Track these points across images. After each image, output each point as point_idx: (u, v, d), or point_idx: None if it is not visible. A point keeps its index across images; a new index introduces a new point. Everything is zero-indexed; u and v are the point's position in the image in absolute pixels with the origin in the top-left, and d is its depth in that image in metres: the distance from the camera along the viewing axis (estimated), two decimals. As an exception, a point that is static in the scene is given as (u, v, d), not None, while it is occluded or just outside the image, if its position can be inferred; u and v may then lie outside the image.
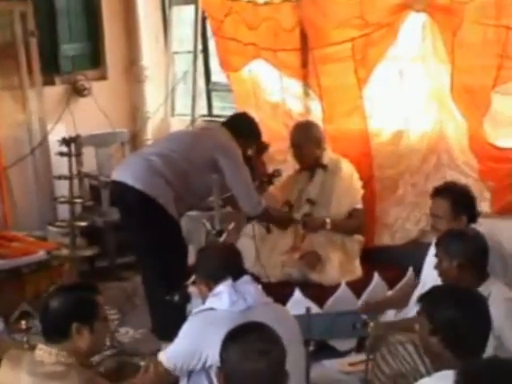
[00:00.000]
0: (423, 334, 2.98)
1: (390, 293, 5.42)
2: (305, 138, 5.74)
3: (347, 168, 5.77)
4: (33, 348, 3.32)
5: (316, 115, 6.14)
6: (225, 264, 3.84)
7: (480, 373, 2.38)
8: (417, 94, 5.66)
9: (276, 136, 6.39)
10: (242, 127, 5.58)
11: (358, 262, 5.66)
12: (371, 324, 4.43)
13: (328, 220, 5.61)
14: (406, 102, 5.71)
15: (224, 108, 7.70)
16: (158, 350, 4.09)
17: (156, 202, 5.21)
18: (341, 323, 4.74)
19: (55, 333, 3.15)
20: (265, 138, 6.56)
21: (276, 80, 6.40)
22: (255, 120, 5.77)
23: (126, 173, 5.36)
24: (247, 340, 2.67)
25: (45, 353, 3.14)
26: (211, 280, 3.81)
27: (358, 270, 5.61)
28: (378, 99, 5.78)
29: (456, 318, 2.89)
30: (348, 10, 5.67)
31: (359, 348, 5.10)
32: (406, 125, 5.76)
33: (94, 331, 3.17)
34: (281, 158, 6.38)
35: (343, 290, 5.30)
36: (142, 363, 3.82)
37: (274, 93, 6.50)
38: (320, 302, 5.21)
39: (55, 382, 3.06)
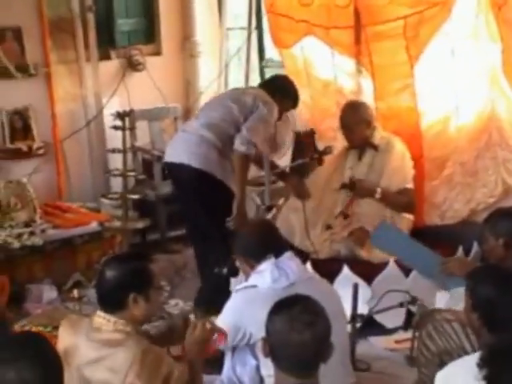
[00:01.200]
0: (466, 309, 3.02)
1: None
2: (354, 119, 5.72)
3: (399, 147, 5.74)
4: (85, 316, 3.38)
5: (367, 93, 6.12)
6: (264, 242, 3.86)
7: (506, 350, 2.40)
8: (468, 72, 5.61)
9: (327, 113, 6.39)
10: (278, 87, 5.62)
11: (407, 240, 5.65)
12: (418, 302, 4.45)
13: (379, 189, 5.60)
14: (458, 80, 5.66)
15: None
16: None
17: (214, 178, 5.26)
18: (388, 300, 4.74)
19: (112, 302, 3.20)
20: (316, 115, 6.59)
21: (328, 57, 6.37)
22: (292, 82, 5.77)
23: (180, 152, 5.39)
24: (292, 312, 2.72)
25: (104, 320, 3.20)
26: (252, 258, 3.85)
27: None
28: (429, 77, 5.74)
29: (493, 296, 2.93)
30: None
31: (406, 325, 5.11)
32: (457, 103, 5.71)
33: (149, 300, 3.23)
34: (331, 135, 6.39)
35: (391, 267, 5.30)
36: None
37: (326, 70, 6.46)
38: (368, 278, 5.22)
39: (112, 349, 3.12)
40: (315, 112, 6.63)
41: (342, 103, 6.10)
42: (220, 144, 5.31)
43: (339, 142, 6.11)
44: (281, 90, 5.61)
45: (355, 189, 5.64)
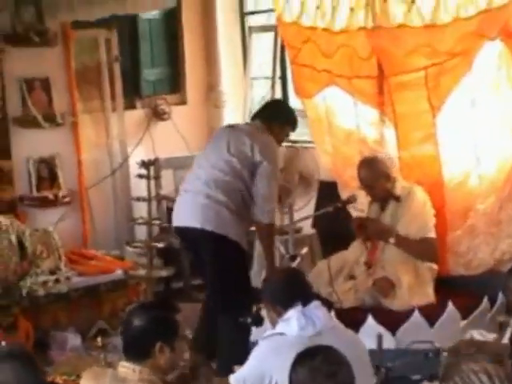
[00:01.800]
0: None
1: (463, 323, 5.40)
2: (372, 176, 5.68)
3: (420, 195, 5.70)
4: (109, 365, 3.39)
5: (391, 142, 6.12)
6: (292, 289, 3.87)
7: None
8: (490, 122, 5.61)
9: (349, 162, 6.39)
10: (275, 115, 5.55)
11: (430, 289, 5.60)
12: (444, 353, 4.41)
13: (392, 239, 5.57)
14: (479, 130, 5.66)
15: (301, 133, 7.74)
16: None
17: (228, 238, 5.22)
18: (413, 351, 4.71)
19: (138, 351, 3.19)
20: (338, 164, 6.60)
21: (350, 107, 6.38)
22: (287, 105, 5.74)
23: (189, 215, 5.30)
24: (314, 363, 2.71)
25: (128, 370, 3.18)
26: (279, 305, 3.84)
27: (430, 296, 5.55)
28: (450, 127, 5.75)
29: None
30: (419, 38, 5.64)
31: (431, 377, 5.07)
32: (478, 153, 5.70)
33: (174, 349, 3.22)
34: (354, 184, 6.39)
35: (416, 317, 5.28)
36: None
37: (348, 119, 6.46)
38: (392, 328, 5.19)
39: None
40: (337, 161, 6.62)
41: (364, 152, 6.11)
42: (229, 201, 5.25)
43: (362, 192, 6.11)
44: (278, 118, 5.55)
45: (368, 229, 5.64)
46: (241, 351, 4.94)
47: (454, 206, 5.85)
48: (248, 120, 7.89)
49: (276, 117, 5.53)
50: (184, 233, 5.43)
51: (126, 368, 3.20)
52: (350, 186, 6.43)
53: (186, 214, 5.32)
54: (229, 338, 5.35)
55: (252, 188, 5.28)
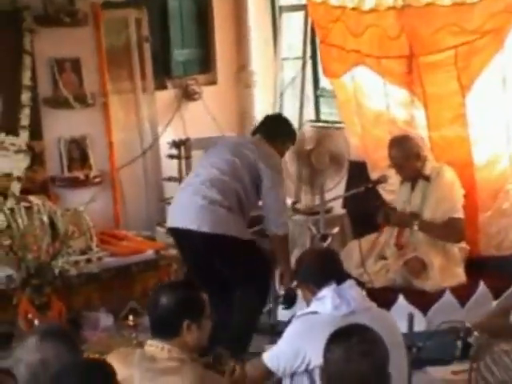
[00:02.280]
0: None
1: (495, 303, 5.38)
2: (403, 155, 5.68)
3: (449, 176, 5.68)
4: (140, 344, 3.40)
5: (420, 123, 6.09)
6: (325, 269, 3.85)
7: None
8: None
9: (379, 143, 6.37)
10: (277, 132, 5.48)
11: (461, 269, 5.60)
12: (475, 333, 4.40)
13: (416, 221, 5.56)
14: (509, 110, 5.62)
15: (331, 114, 7.73)
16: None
17: (226, 236, 5.14)
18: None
19: (166, 329, 3.20)
20: (368, 145, 6.57)
21: (379, 87, 6.36)
22: (287, 120, 5.71)
23: (185, 217, 5.21)
24: (350, 341, 2.71)
25: (156, 348, 3.19)
26: (313, 284, 3.85)
27: (461, 277, 5.55)
28: (480, 107, 5.70)
29: None
30: (447, 17, 5.60)
31: (462, 356, 5.06)
32: (509, 133, 5.66)
33: (201, 328, 3.25)
34: (384, 164, 6.37)
35: (447, 297, 5.27)
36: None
37: (378, 100, 6.45)
38: (423, 308, 5.19)
39: (169, 377, 3.11)
40: (367, 142, 6.61)
41: (394, 133, 6.09)
42: (223, 199, 5.15)
43: (393, 172, 6.08)
44: (280, 134, 5.48)
45: (390, 219, 5.64)
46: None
47: (484, 186, 5.82)
48: (278, 100, 7.94)
49: (277, 133, 5.47)
50: (178, 234, 5.34)
51: (153, 347, 3.21)
52: (379, 166, 6.42)
53: (182, 215, 5.24)
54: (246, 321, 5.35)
55: (250, 193, 5.23)
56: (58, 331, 2.74)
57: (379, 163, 6.44)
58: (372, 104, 6.52)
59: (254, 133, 5.58)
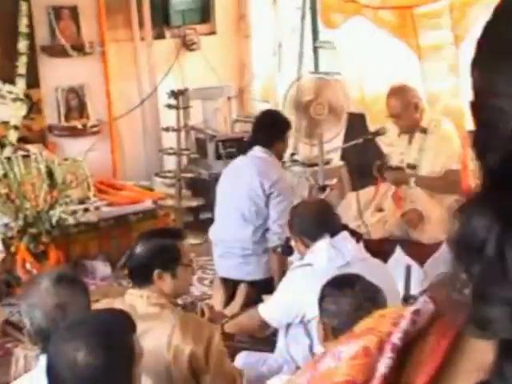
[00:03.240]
0: None
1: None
2: (401, 105, 5.61)
3: (447, 127, 5.63)
4: (122, 294, 3.41)
5: (415, 74, 6.04)
6: (320, 221, 3.86)
7: None
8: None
9: (377, 96, 6.35)
10: (272, 134, 5.42)
11: (459, 221, 5.61)
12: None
13: (412, 179, 5.54)
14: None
15: (330, 65, 7.68)
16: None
17: None
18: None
19: (140, 277, 3.27)
20: (366, 97, 6.54)
21: (377, 38, 6.31)
22: (278, 114, 5.66)
23: None
24: (355, 290, 2.72)
25: (136, 297, 3.24)
26: (307, 237, 3.85)
27: (459, 229, 5.56)
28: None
29: None
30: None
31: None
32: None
33: (176, 276, 3.28)
34: (382, 117, 6.35)
35: (444, 249, 5.28)
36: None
37: (375, 51, 6.42)
38: (420, 260, 5.20)
39: (151, 322, 3.16)
40: (365, 94, 6.58)
41: (392, 84, 6.06)
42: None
43: (391, 124, 6.05)
44: (279, 135, 5.44)
45: (387, 178, 5.63)
46: None
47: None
48: (277, 51, 7.87)
49: (275, 136, 5.40)
50: None
51: (133, 295, 3.26)
52: (379, 119, 6.40)
53: None
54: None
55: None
56: (70, 276, 2.76)
57: (377, 116, 6.42)
58: (370, 55, 6.48)
59: (250, 144, 5.52)
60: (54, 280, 2.71)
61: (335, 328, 2.74)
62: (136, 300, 3.23)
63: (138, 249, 3.30)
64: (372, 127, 6.38)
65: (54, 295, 2.67)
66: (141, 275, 3.26)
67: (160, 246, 3.32)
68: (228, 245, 5.36)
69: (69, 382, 2.12)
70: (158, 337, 3.13)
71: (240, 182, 5.30)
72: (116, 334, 2.27)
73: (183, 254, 3.35)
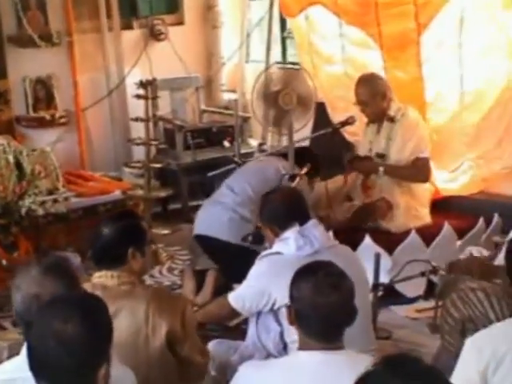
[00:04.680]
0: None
1: (459, 243, 5.46)
2: (369, 93, 5.62)
3: (414, 116, 5.63)
4: (88, 280, 3.41)
5: (376, 63, 6.06)
6: (289, 209, 3.89)
7: None
8: (477, 41, 5.56)
9: (335, 83, 6.39)
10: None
11: (427, 210, 5.66)
12: (440, 271, 4.47)
13: (381, 168, 5.58)
14: (465, 49, 5.62)
15: (296, 54, 7.71)
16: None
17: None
18: (409, 270, 4.77)
19: (112, 259, 3.27)
20: (325, 84, 6.57)
21: (335, 27, 6.34)
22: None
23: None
24: (317, 276, 2.75)
25: (106, 278, 3.25)
26: (276, 225, 3.88)
27: (426, 217, 5.62)
28: (435, 46, 5.71)
29: None
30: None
31: (427, 295, 5.14)
32: (462, 72, 5.68)
33: (144, 254, 3.34)
34: (341, 105, 6.38)
35: (412, 237, 5.34)
36: None
37: (333, 40, 6.44)
38: (389, 248, 5.26)
39: (125, 300, 3.19)
40: (321, 82, 6.58)
41: (350, 74, 6.10)
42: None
43: (352, 111, 6.06)
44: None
45: (353, 168, 5.68)
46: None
47: (436, 126, 5.87)
48: (245, 41, 7.89)
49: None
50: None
51: (102, 277, 3.26)
52: (338, 107, 6.44)
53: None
54: None
55: None
56: (60, 268, 2.75)
57: (335, 103, 6.45)
58: (326, 44, 6.52)
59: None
60: (42, 269, 2.71)
61: (298, 312, 2.77)
62: (107, 281, 3.24)
63: (107, 230, 3.31)
64: (333, 115, 6.44)
65: (37, 284, 2.67)
66: (112, 256, 3.26)
67: (132, 225, 3.38)
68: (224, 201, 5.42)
69: (55, 357, 2.13)
70: (134, 313, 3.17)
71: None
72: (98, 308, 2.30)
73: (148, 233, 3.46)
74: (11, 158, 5.81)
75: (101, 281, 3.25)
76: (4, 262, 5.49)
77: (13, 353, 2.78)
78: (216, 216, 5.39)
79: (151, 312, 3.18)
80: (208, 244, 5.41)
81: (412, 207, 5.62)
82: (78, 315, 2.16)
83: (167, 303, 3.26)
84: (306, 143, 5.85)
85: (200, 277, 5.41)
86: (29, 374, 2.21)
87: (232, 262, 5.12)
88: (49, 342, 2.12)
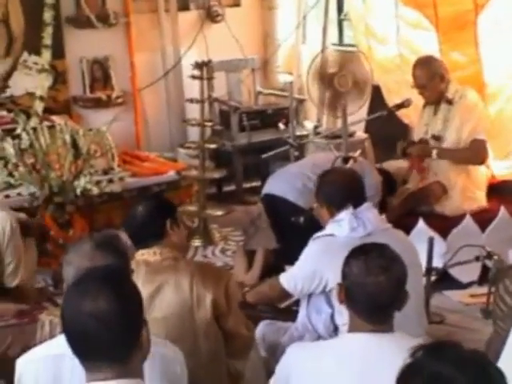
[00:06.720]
0: None
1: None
2: (427, 75, 5.55)
3: (471, 97, 5.56)
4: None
5: (431, 45, 5.99)
6: (347, 191, 3.88)
7: None
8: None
9: (390, 65, 6.34)
10: None
11: (483, 192, 5.58)
12: (495, 257, 4.41)
13: (434, 151, 5.50)
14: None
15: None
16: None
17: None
18: (463, 255, 4.72)
19: (152, 235, 3.33)
20: (380, 66, 6.51)
21: (391, 8, 6.27)
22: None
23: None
24: (369, 256, 2.75)
25: (148, 255, 3.30)
26: (332, 205, 3.86)
27: (482, 200, 5.54)
28: (493, 28, 5.62)
29: None
30: None
31: (481, 280, 5.09)
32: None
33: (179, 226, 3.42)
34: (394, 87, 6.32)
35: (467, 221, 5.28)
36: None
37: (388, 21, 6.37)
38: (444, 232, 5.21)
39: (168, 274, 3.26)
40: (377, 65, 6.52)
41: (405, 55, 6.03)
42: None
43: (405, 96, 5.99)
44: None
45: (409, 152, 5.62)
46: None
47: (493, 110, 5.80)
48: (302, 23, 7.84)
49: None
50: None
51: (145, 255, 3.31)
52: (391, 88, 6.38)
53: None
54: None
55: None
56: (111, 244, 2.79)
57: (390, 85, 6.40)
58: (381, 24, 6.45)
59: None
60: (94, 245, 2.74)
61: (347, 290, 2.76)
62: (150, 257, 3.29)
63: (143, 210, 3.40)
64: (388, 97, 6.38)
65: (89, 259, 2.70)
66: (152, 232, 3.32)
67: (163, 201, 3.64)
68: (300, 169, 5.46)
69: (95, 336, 2.14)
70: (179, 285, 3.23)
71: None
72: (121, 276, 2.33)
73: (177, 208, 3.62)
74: (68, 138, 5.88)
75: (144, 258, 3.30)
76: (60, 240, 5.56)
77: (54, 330, 2.81)
78: (290, 179, 5.39)
79: (195, 284, 3.23)
80: (274, 204, 5.40)
81: (468, 188, 5.55)
82: (105, 289, 2.16)
83: (211, 275, 3.32)
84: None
85: (252, 257, 5.42)
86: None
87: (291, 230, 5.06)
88: (86, 323, 2.12)
